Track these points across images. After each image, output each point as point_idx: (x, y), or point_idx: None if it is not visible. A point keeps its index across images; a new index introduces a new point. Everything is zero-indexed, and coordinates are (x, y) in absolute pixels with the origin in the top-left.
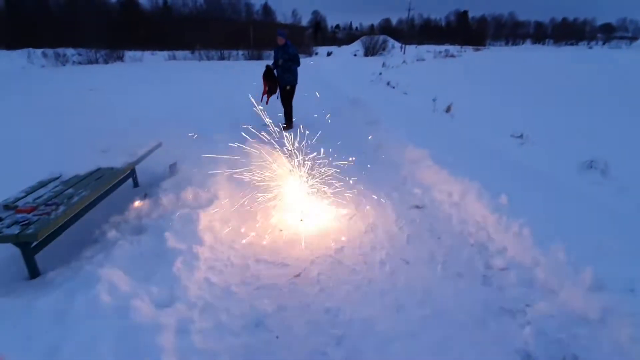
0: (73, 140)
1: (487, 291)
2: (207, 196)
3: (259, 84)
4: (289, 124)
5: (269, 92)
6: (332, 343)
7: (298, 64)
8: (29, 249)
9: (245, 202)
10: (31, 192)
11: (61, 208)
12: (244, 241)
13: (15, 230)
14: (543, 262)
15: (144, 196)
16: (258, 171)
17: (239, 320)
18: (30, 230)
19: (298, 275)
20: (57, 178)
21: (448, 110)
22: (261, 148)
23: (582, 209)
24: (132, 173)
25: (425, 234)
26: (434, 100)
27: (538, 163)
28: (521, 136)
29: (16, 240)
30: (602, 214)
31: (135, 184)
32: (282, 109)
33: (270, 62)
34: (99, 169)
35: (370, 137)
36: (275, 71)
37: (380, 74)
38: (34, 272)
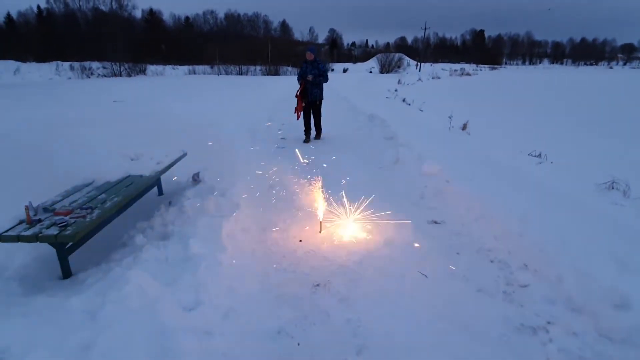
0: (103, 148)
1: (508, 307)
2: (229, 205)
3: (278, 101)
4: (319, 133)
5: (303, 108)
6: (353, 352)
7: (327, 79)
8: (64, 249)
9: (266, 212)
10: (67, 196)
11: (96, 212)
12: (264, 250)
13: (54, 231)
14: (566, 279)
15: (169, 204)
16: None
17: (261, 326)
18: (68, 232)
19: (317, 285)
20: (90, 184)
21: (464, 128)
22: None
23: (605, 228)
24: (158, 181)
25: (444, 249)
26: (450, 117)
27: (557, 182)
28: (539, 155)
29: (54, 241)
30: (625, 233)
31: (160, 192)
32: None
33: (288, 77)
34: (128, 176)
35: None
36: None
37: (396, 90)
38: (67, 273)
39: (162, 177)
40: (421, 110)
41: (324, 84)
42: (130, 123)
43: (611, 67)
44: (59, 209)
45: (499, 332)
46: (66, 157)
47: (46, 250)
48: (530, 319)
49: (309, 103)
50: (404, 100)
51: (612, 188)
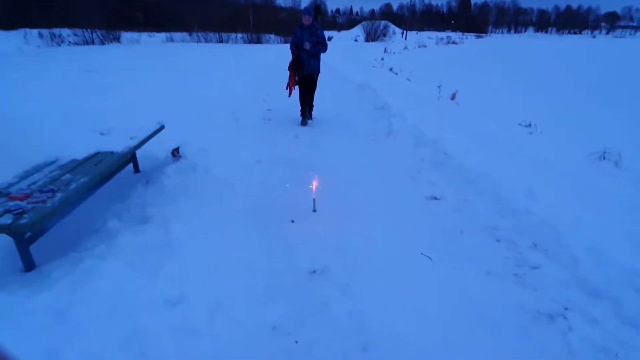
0: (70, 122)
1: (521, 292)
2: (213, 183)
3: (263, 73)
4: (310, 113)
5: (297, 81)
6: (357, 349)
7: (326, 49)
8: (23, 240)
9: (253, 190)
10: (25, 177)
11: (58, 195)
12: (253, 233)
13: (8, 219)
14: (581, 259)
15: (146, 182)
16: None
17: (253, 322)
18: (24, 221)
19: (314, 272)
20: (54, 162)
21: (453, 97)
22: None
23: (611, 204)
24: (133, 158)
25: (446, 228)
26: (439, 87)
27: (551, 154)
28: (529, 125)
29: (8, 231)
30: (632, 209)
31: (136, 170)
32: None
33: (270, 46)
34: (98, 153)
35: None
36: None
37: (383, 59)
38: (29, 265)
39: (139, 153)
40: (409, 80)
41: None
42: (101, 95)
43: (594, 37)
44: (14, 193)
45: (515, 321)
46: (26, 132)
47: (3, 238)
48: (545, 304)
49: (305, 77)
50: (391, 69)
51: (604, 158)
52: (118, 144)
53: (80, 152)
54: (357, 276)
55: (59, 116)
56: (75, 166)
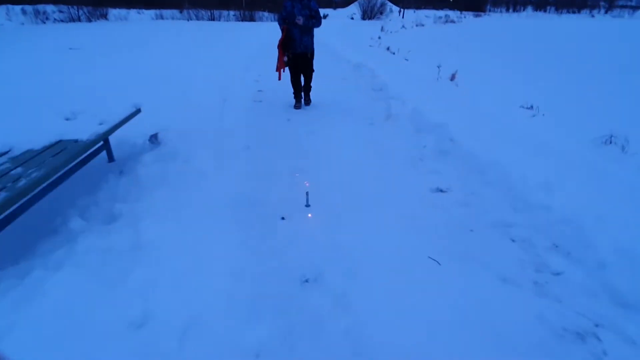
0: (36, 105)
1: (543, 303)
2: (194, 174)
3: (255, 52)
4: (307, 98)
5: (286, 62)
6: None
7: (320, 23)
8: None
9: (239, 182)
10: None
11: (2, 195)
12: (237, 232)
13: None
14: (609, 265)
15: (120, 173)
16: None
17: (233, 345)
18: None
19: (307, 281)
20: (5, 153)
21: (452, 78)
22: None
23: (632, 197)
24: (105, 145)
25: (454, 225)
26: (438, 67)
27: (557, 138)
28: (531, 107)
29: None
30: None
31: (110, 158)
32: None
33: (263, 24)
34: (59, 142)
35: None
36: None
37: (379, 38)
38: None
39: (114, 139)
40: (406, 60)
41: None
42: (78, 74)
43: (593, 16)
44: None
45: (536, 339)
46: None
47: None
48: (572, 319)
49: (297, 56)
50: (388, 48)
51: (610, 142)
52: (85, 131)
53: (40, 140)
54: (355, 285)
55: (24, 98)
56: (29, 158)
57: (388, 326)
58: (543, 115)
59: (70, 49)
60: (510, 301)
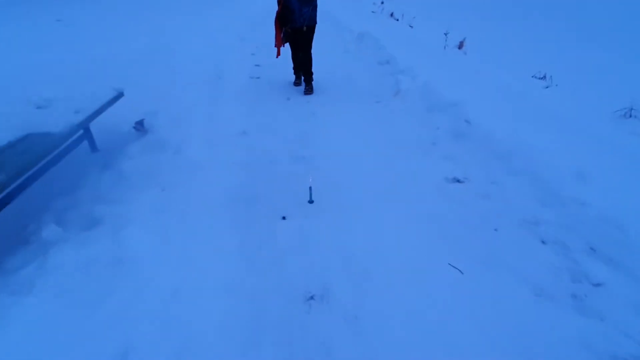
0: (3, 91)
1: (585, 323)
2: (186, 167)
3: (252, 21)
4: (309, 84)
5: (284, 38)
6: None
7: None
8: None
9: (235, 175)
10: None
11: None
12: (232, 237)
13: None
14: None
15: (102, 166)
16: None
17: None
18: None
19: (312, 298)
20: None
21: (460, 46)
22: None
23: None
24: (86, 134)
25: (475, 223)
26: (445, 34)
27: (576, 112)
28: (544, 77)
29: None
30: None
31: (93, 149)
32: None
33: None
34: (28, 136)
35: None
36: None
37: (382, 3)
38: None
39: (97, 127)
40: (411, 27)
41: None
42: (59, 50)
43: None
44: None
45: None
46: None
47: None
48: (621, 344)
49: (296, 31)
50: (391, 14)
51: (630, 116)
52: (58, 121)
53: (4, 135)
54: (367, 301)
55: None
56: None
57: (406, 352)
58: (556, 85)
59: (58, 20)
60: (547, 319)
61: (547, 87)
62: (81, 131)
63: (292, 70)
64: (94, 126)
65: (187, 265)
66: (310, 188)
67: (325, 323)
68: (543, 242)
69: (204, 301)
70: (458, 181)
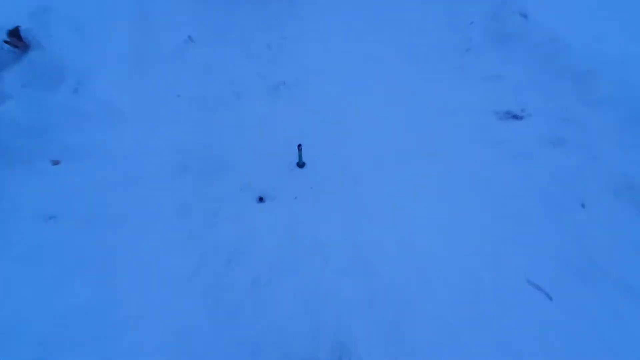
0: None
1: None
2: (99, 117)
3: None
4: None
5: None
6: None
7: None
8: None
9: (184, 119)
10: None
11: None
12: (181, 247)
13: None
14: None
15: None
16: None
17: None
18: None
19: None
20: None
21: None
22: None
23: None
24: None
25: (553, 196)
26: None
27: None
28: None
29: None
30: None
31: None
32: None
33: None
34: None
35: None
36: None
37: None
38: None
39: None
40: None
41: None
42: None
43: None
44: None
45: None
46: None
47: None
48: None
49: None
50: None
51: None
52: None
53: None
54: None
55: None
56: None
57: None
58: None
59: None
60: None
61: None
62: None
63: None
64: None
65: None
66: (299, 147)
67: None
68: None
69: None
70: (515, 117)
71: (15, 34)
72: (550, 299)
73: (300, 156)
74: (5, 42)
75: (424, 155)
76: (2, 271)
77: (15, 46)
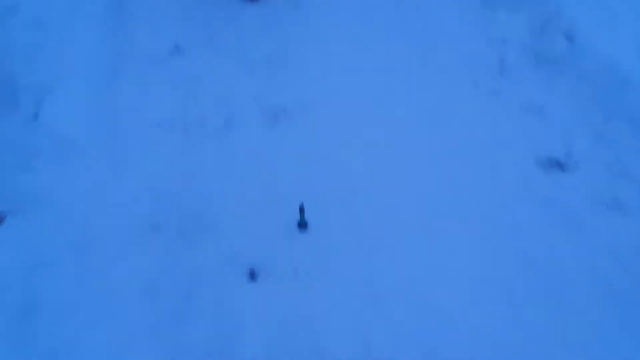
0: None
1: None
2: (51, 151)
3: None
4: None
5: None
6: None
7: None
8: None
9: (156, 161)
10: None
11: None
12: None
13: None
14: None
15: None
16: None
17: None
18: None
19: None
20: None
21: None
22: None
23: None
24: None
25: (616, 285)
26: None
27: None
28: None
29: None
30: None
31: None
32: None
33: None
34: None
35: None
36: None
37: None
38: None
39: None
40: None
41: None
42: None
43: None
44: None
45: None
46: None
47: None
48: None
49: None
50: None
51: None
52: None
53: None
54: None
55: None
56: None
57: None
58: None
59: None
60: None
61: None
62: None
63: None
64: None
65: None
66: (301, 211)
67: None
68: None
69: None
70: (558, 164)
71: None
72: None
73: (302, 216)
74: None
75: (455, 215)
76: None
77: None
